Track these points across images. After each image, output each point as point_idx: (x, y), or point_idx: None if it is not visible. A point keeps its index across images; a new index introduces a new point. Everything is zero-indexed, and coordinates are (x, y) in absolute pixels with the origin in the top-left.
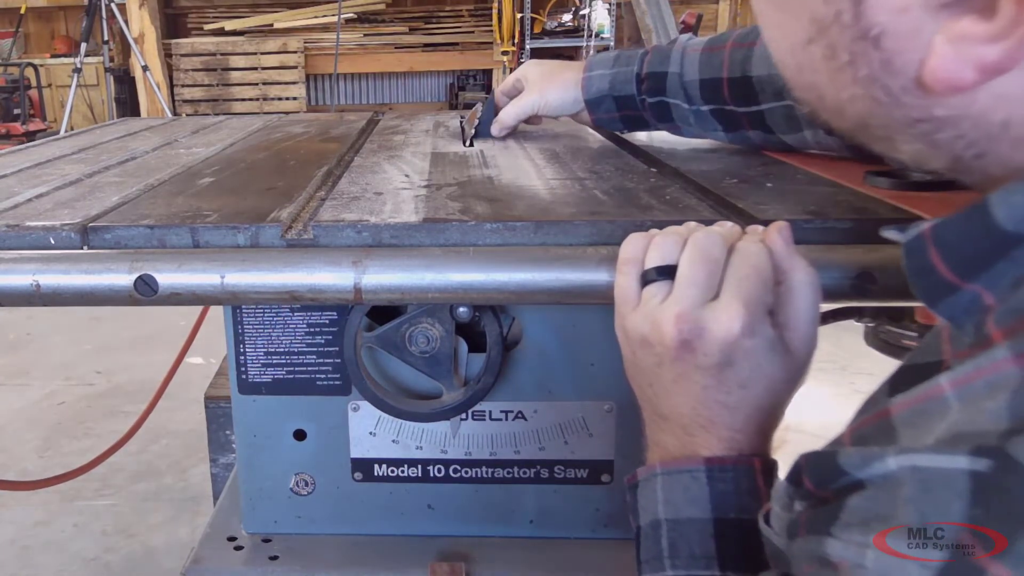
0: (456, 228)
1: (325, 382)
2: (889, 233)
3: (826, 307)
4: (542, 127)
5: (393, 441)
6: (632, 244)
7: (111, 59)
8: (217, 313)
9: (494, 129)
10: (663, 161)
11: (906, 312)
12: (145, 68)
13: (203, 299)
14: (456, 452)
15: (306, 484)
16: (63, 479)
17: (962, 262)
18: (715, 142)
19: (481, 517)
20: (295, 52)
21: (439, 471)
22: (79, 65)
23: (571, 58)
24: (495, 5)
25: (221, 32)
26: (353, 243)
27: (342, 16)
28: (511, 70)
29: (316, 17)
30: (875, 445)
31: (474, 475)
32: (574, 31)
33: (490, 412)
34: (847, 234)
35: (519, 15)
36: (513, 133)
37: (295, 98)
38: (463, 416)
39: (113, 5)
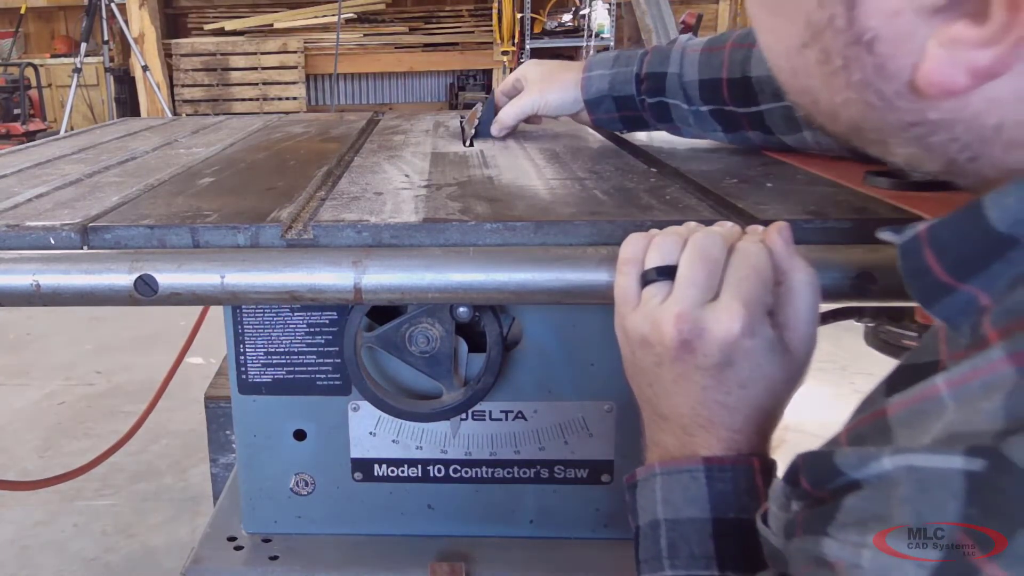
0: (456, 228)
1: (325, 382)
2: (885, 235)
3: (826, 307)
4: (542, 127)
5: (393, 441)
6: (632, 244)
7: (111, 59)
8: (217, 313)
9: (493, 129)
10: (663, 161)
11: (906, 312)
12: (145, 68)
13: (203, 299)
14: (456, 452)
15: (306, 484)
16: (63, 479)
17: (957, 263)
18: (715, 142)
19: (481, 517)
20: (295, 52)
21: (439, 471)
22: (79, 65)
23: (571, 58)
24: (495, 5)
25: (221, 32)
26: (353, 243)
27: (342, 16)
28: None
29: (316, 17)
30: (871, 445)
31: (474, 475)
32: (574, 31)
33: (490, 412)
34: (847, 234)
35: (519, 15)
36: (513, 133)
37: (295, 98)
38: (463, 416)
39: (113, 5)
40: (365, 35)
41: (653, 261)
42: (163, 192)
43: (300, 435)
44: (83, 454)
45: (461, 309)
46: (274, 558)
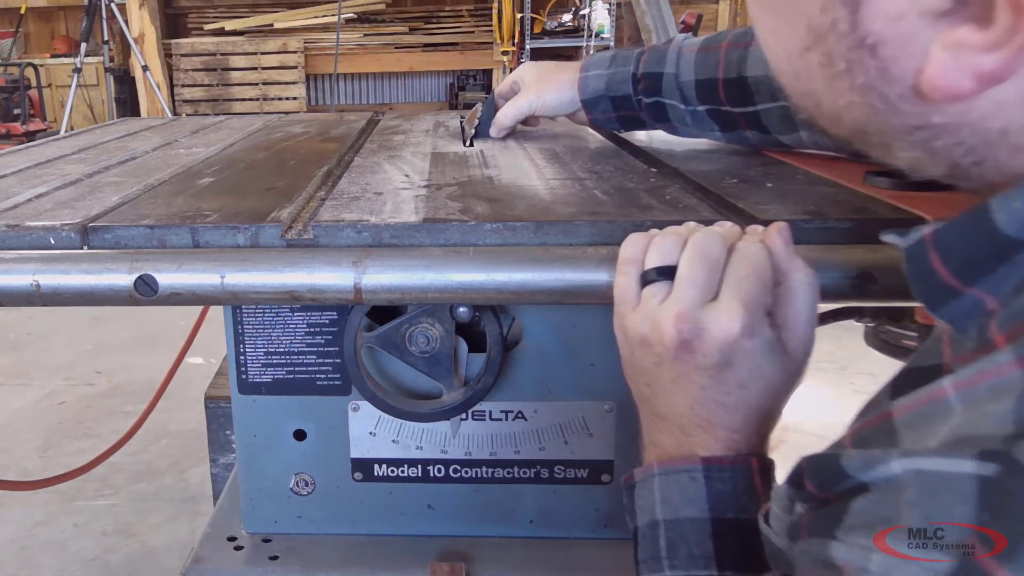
0: (456, 228)
1: (325, 382)
2: (889, 237)
3: (826, 307)
4: (542, 127)
5: (393, 441)
6: (632, 244)
7: (111, 59)
8: (217, 313)
9: (492, 131)
10: (663, 161)
11: (906, 312)
12: (145, 68)
13: (203, 299)
14: (456, 452)
15: (306, 484)
16: (63, 479)
17: (963, 267)
18: (714, 142)
19: (481, 517)
20: (295, 52)
21: (439, 471)
22: (79, 65)
23: (571, 58)
24: (495, 5)
25: (221, 32)
26: (353, 243)
27: (342, 16)
28: (511, 70)
29: (316, 17)
30: (877, 447)
31: (474, 475)
32: (574, 31)
33: (490, 412)
34: (847, 234)
35: (519, 15)
36: (513, 133)
37: (295, 98)
38: (463, 416)
39: (113, 5)
40: (365, 35)
41: (653, 261)
42: (163, 192)
43: (300, 435)
44: (83, 454)
45: (461, 309)
46: (274, 558)
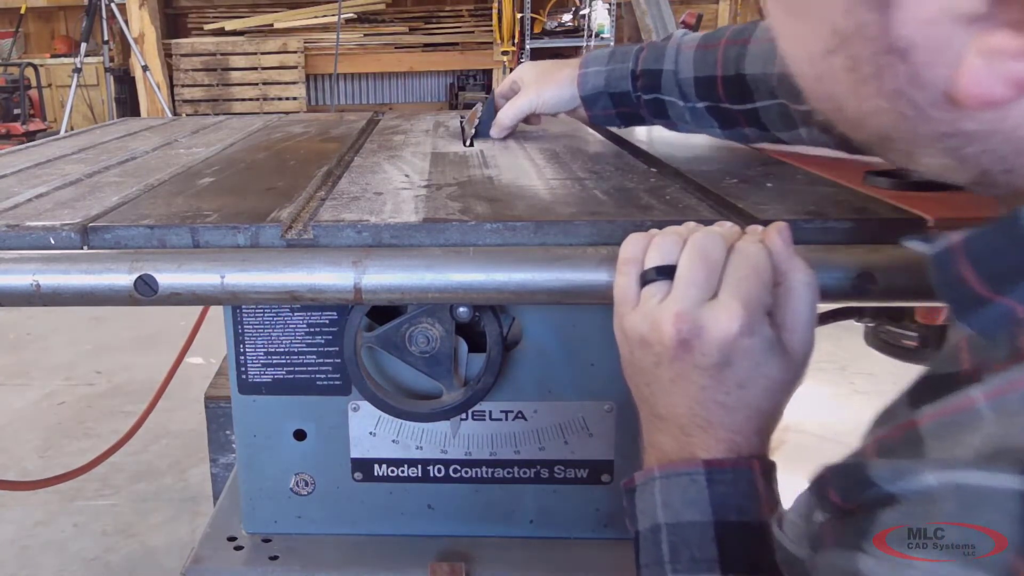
0: (456, 228)
1: (325, 382)
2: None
3: (826, 307)
4: (542, 127)
5: (393, 441)
6: (632, 244)
7: (111, 59)
8: (217, 313)
9: (493, 132)
10: (663, 161)
11: (906, 312)
12: (145, 68)
13: (203, 299)
14: (456, 452)
15: (306, 484)
16: (63, 479)
17: (994, 275)
18: (714, 142)
19: (481, 517)
20: (295, 52)
21: (439, 471)
22: (79, 65)
23: (571, 58)
24: (495, 5)
25: (221, 32)
26: (353, 243)
27: (342, 16)
28: (511, 70)
29: (316, 17)
30: (904, 457)
31: (474, 475)
32: (574, 31)
33: (490, 412)
34: (847, 234)
35: (519, 15)
36: (513, 133)
37: (295, 98)
38: (463, 416)
39: (113, 5)
40: (365, 35)
41: (653, 261)
42: (163, 192)
43: (300, 435)
44: (83, 454)
45: (461, 309)
46: (274, 558)
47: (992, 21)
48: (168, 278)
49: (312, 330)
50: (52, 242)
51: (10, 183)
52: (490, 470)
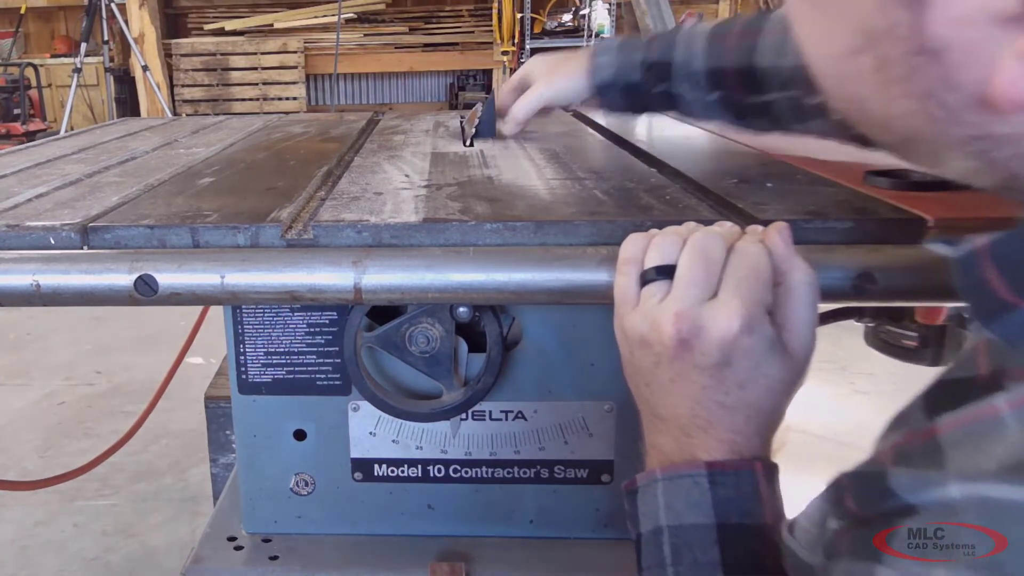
0: (456, 228)
1: (325, 382)
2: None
3: (826, 307)
4: (542, 127)
5: (393, 441)
6: (632, 244)
7: (111, 59)
8: (217, 313)
9: (506, 128)
10: (663, 161)
11: (906, 312)
12: (145, 68)
13: (203, 299)
14: (456, 452)
15: (306, 484)
16: (63, 479)
17: (1020, 280)
18: (715, 141)
19: (481, 517)
20: (295, 52)
21: (439, 471)
22: (79, 65)
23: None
24: (495, 5)
25: (221, 32)
26: (353, 243)
27: (342, 16)
28: (511, 70)
29: (316, 17)
30: (923, 466)
31: (474, 475)
32: (574, 31)
33: (490, 412)
34: (847, 234)
35: (519, 15)
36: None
37: (295, 98)
38: (463, 416)
39: (113, 5)
40: (365, 35)
41: (653, 261)
42: (163, 192)
43: (300, 435)
44: (83, 454)
45: (461, 309)
46: (274, 558)
47: None
48: (168, 278)
49: (312, 330)
50: (52, 242)
51: (10, 183)
52: (490, 470)
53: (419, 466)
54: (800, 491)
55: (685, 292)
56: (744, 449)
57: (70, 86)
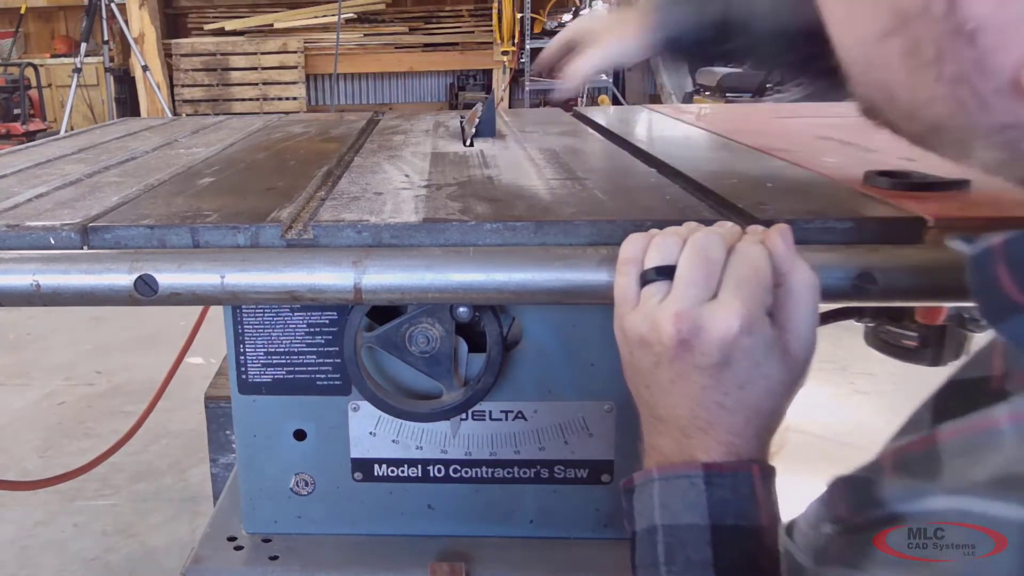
0: (456, 228)
1: (325, 382)
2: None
3: (826, 307)
4: (541, 127)
5: (393, 441)
6: (632, 244)
7: (111, 59)
8: (217, 313)
9: (567, 85)
10: (663, 161)
11: (906, 312)
12: (145, 68)
13: (203, 299)
14: (456, 452)
15: (306, 484)
16: (63, 479)
17: None
18: (714, 142)
19: (481, 517)
20: (295, 52)
21: (439, 471)
22: (79, 65)
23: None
24: (495, 5)
25: (221, 32)
26: (353, 243)
27: (342, 16)
28: (511, 70)
29: (316, 17)
30: (920, 473)
31: (474, 475)
32: None
33: (490, 412)
34: (847, 234)
35: (519, 15)
36: (512, 133)
37: (295, 98)
38: (463, 416)
39: (113, 5)
40: (365, 35)
41: (653, 261)
42: (163, 192)
43: (300, 435)
44: (83, 454)
45: (461, 309)
46: (274, 558)
47: None
48: (168, 278)
49: (312, 330)
50: (52, 242)
51: (10, 183)
52: (490, 470)
53: (419, 466)
54: (800, 492)
55: (685, 292)
56: (743, 451)
57: (70, 86)
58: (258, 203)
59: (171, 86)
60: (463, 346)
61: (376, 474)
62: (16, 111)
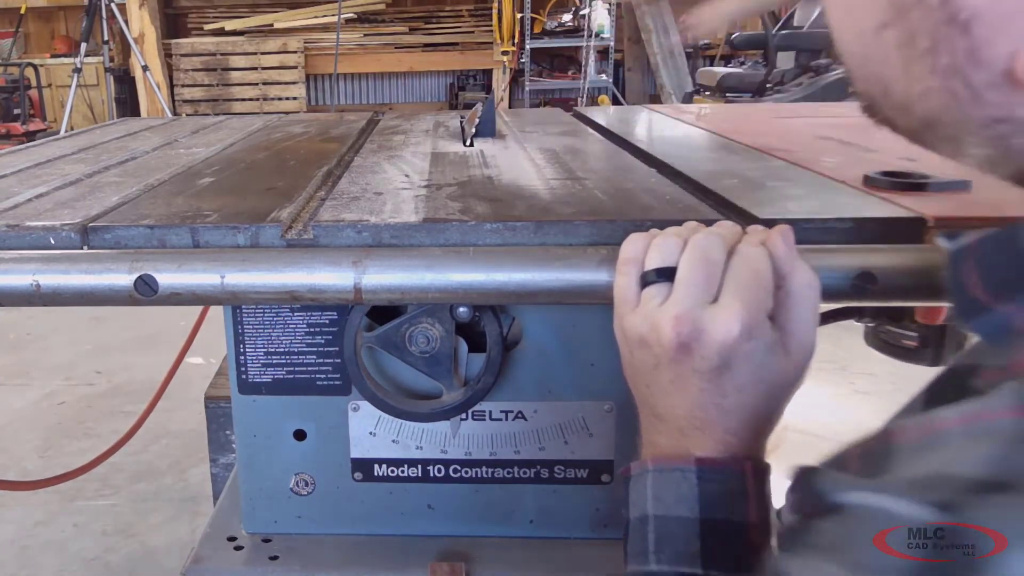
0: (456, 228)
1: (325, 382)
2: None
3: (826, 307)
4: (541, 127)
5: (393, 441)
6: (632, 244)
7: (111, 59)
8: (217, 313)
9: (702, 29)
10: (663, 161)
11: (906, 312)
12: (145, 68)
13: (203, 299)
14: (456, 452)
15: (306, 484)
16: (63, 479)
17: (998, 282)
18: (714, 142)
19: (481, 517)
20: (295, 52)
21: (439, 471)
22: (79, 65)
23: (571, 59)
24: (495, 5)
25: (221, 32)
26: (353, 243)
27: (342, 16)
28: (511, 70)
29: (316, 17)
30: (873, 467)
31: (474, 475)
32: (574, 31)
33: (490, 412)
34: (847, 234)
35: (519, 15)
36: (512, 133)
37: (295, 98)
38: (463, 416)
39: (113, 5)
40: (365, 35)
41: (653, 262)
42: (163, 192)
43: (300, 435)
44: (83, 454)
45: (461, 309)
46: (274, 558)
47: None
48: (168, 278)
49: (312, 330)
50: (52, 242)
51: (10, 183)
52: (490, 470)
53: (419, 466)
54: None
55: (685, 295)
56: (738, 450)
57: (70, 86)
58: (258, 203)
59: (171, 86)
60: (463, 346)
61: (376, 474)
62: (16, 111)
